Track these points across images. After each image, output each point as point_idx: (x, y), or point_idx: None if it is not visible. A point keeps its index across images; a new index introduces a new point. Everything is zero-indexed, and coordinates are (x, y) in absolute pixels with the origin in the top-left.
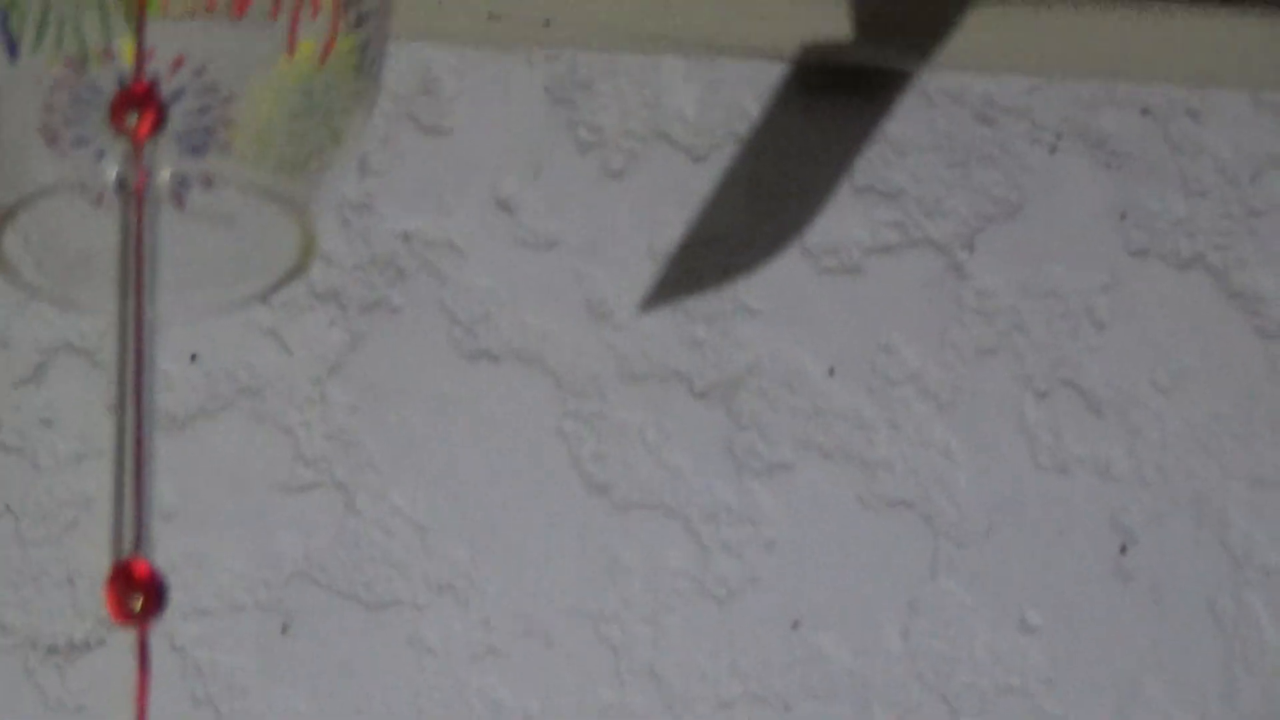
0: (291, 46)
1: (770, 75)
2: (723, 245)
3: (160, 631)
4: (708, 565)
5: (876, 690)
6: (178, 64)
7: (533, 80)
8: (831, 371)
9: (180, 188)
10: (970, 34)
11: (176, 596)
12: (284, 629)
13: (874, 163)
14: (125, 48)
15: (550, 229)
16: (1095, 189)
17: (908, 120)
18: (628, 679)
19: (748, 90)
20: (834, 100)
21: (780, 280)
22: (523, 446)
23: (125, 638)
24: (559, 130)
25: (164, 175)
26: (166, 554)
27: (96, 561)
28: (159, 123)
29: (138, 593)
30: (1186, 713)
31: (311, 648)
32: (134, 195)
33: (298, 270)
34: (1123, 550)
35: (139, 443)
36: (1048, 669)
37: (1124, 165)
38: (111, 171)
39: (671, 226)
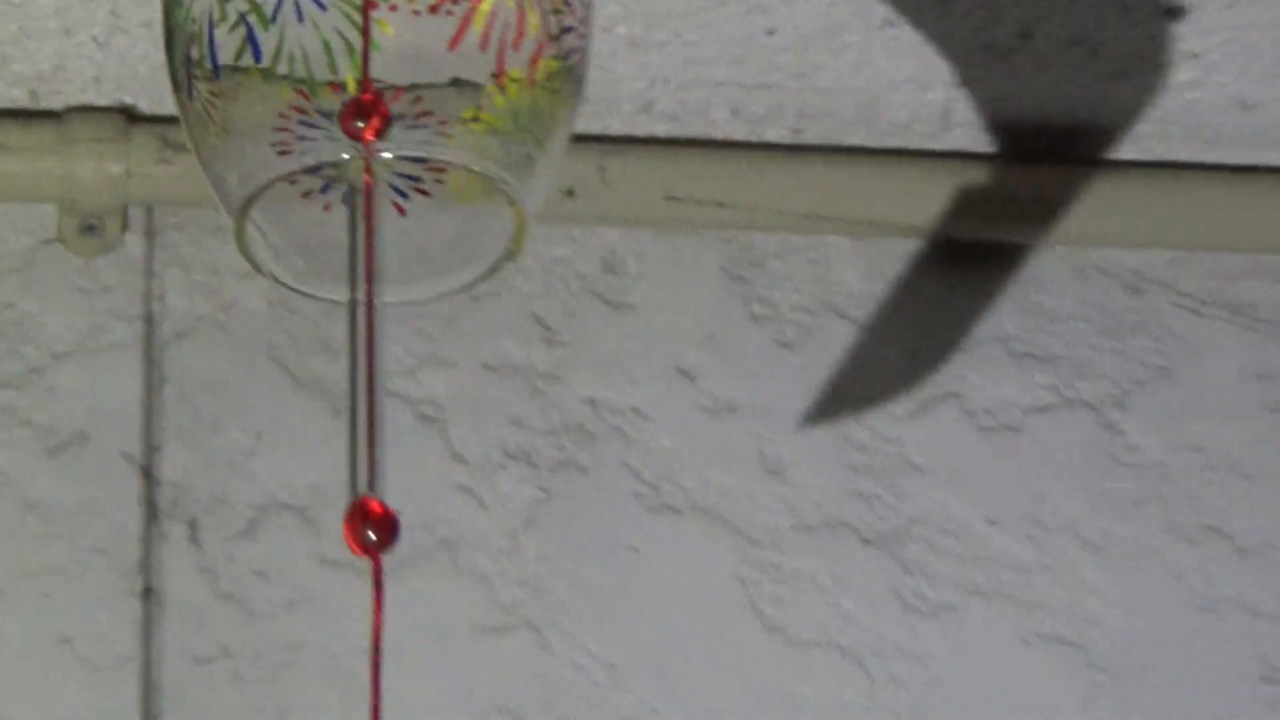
0: (500, 75)
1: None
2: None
3: None
4: (877, 699)
5: None
6: (397, 94)
7: (709, 259)
8: (992, 521)
9: (397, 192)
10: (1117, 210)
11: None
12: None
13: (1031, 331)
14: (350, 82)
15: (728, 395)
16: (1239, 352)
17: (1062, 293)
18: None
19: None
20: (974, 272)
21: (943, 439)
22: (705, 592)
23: None
24: (734, 305)
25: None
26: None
27: (307, 699)
28: (385, 126)
29: (373, 528)
30: None
31: None
32: (363, 194)
33: (510, 255)
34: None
35: (371, 407)
36: None
37: (1265, 330)
38: (333, 169)
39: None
